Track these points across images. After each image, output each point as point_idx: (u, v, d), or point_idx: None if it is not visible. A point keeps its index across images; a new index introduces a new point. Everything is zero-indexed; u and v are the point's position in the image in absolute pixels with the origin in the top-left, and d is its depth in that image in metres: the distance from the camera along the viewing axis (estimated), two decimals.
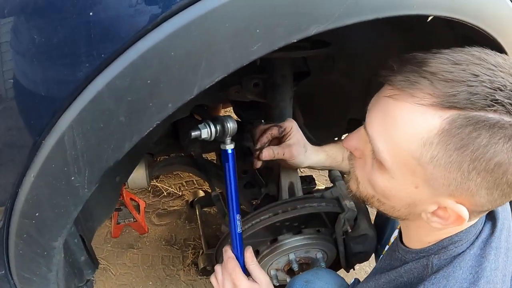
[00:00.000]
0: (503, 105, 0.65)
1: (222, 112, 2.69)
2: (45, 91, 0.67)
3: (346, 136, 0.93)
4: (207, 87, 0.65)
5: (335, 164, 1.45)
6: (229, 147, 1.11)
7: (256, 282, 1.18)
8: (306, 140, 1.38)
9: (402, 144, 0.71)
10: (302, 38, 0.67)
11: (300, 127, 1.89)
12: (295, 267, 1.80)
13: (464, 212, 0.73)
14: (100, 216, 1.23)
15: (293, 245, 1.46)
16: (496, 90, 0.65)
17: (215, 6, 0.61)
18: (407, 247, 0.93)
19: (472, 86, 0.66)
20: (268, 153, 1.30)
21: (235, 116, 2.31)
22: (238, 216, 1.20)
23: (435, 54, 0.74)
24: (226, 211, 1.80)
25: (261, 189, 1.81)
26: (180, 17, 0.61)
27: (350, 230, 1.46)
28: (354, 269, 1.82)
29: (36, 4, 0.63)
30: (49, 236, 0.84)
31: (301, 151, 1.34)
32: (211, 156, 2.68)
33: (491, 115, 0.65)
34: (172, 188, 2.86)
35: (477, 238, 0.84)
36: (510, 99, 0.65)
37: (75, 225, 0.98)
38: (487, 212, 0.82)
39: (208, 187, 2.73)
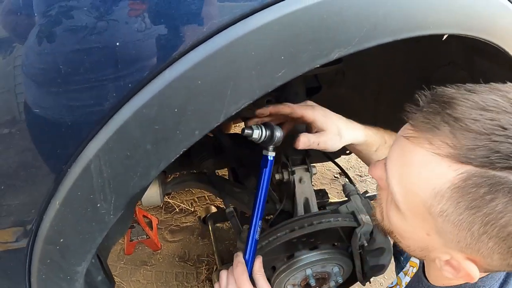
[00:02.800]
0: None
1: (233, 129, 2.69)
2: (72, 120, 0.68)
3: (374, 163, 0.87)
4: (233, 113, 0.66)
5: (367, 152, 1.32)
6: (271, 154, 1.17)
7: None
8: (339, 121, 1.23)
9: (415, 189, 0.67)
10: (325, 62, 0.68)
11: None
12: (312, 282, 1.79)
13: (474, 272, 0.68)
14: (115, 234, 1.22)
15: (310, 261, 1.45)
16: None
17: (241, 34, 0.62)
18: (430, 283, 0.91)
19: (496, 141, 0.59)
20: (303, 141, 1.14)
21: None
22: (260, 223, 1.23)
23: (466, 92, 0.67)
24: (241, 227, 1.80)
25: (275, 205, 1.81)
26: (207, 46, 0.62)
27: (366, 244, 1.46)
28: (370, 282, 1.81)
29: (62, 33, 0.64)
30: (73, 261, 0.85)
31: (335, 140, 1.22)
32: (221, 172, 2.68)
33: None
34: (184, 204, 2.85)
35: (501, 286, 0.79)
36: None
37: None
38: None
39: (220, 202, 2.73)
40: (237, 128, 2.97)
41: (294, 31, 0.64)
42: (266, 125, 1.12)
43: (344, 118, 1.25)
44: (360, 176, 3.34)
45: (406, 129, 0.71)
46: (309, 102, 1.26)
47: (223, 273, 1.20)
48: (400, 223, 0.76)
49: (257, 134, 1.08)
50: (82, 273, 0.89)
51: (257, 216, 1.23)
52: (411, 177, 0.68)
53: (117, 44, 0.62)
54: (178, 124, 0.65)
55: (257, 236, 1.23)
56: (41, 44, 0.65)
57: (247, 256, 1.22)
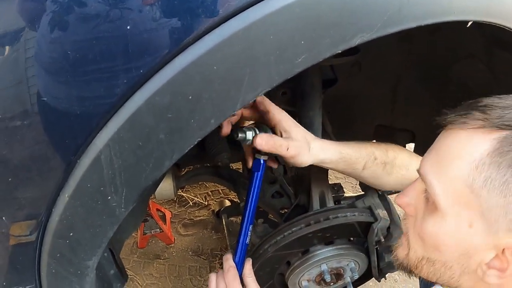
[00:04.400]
0: None
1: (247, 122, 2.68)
2: (81, 109, 0.65)
3: (401, 192, 0.89)
4: (251, 101, 0.63)
5: (352, 171, 1.24)
6: (264, 157, 1.13)
7: None
8: (307, 133, 1.14)
9: (454, 172, 0.70)
10: (347, 48, 0.65)
11: (328, 135, 1.87)
12: (327, 277, 1.77)
13: None
14: (128, 228, 1.24)
15: (325, 256, 1.43)
16: None
17: (259, 17, 0.59)
18: None
19: None
20: (266, 141, 1.02)
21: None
22: (250, 227, 1.23)
23: (494, 97, 0.73)
24: (255, 221, 1.78)
25: (290, 199, 1.79)
26: (222, 30, 0.59)
27: (383, 240, 1.44)
28: (385, 278, 1.79)
29: (71, 18, 0.61)
30: (84, 256, 0.83)
31: (304, 149, 1.11)
32: (235, 165, 2.67)
33: None
34: (198, 198, 2.87)
35: None
36: None
37: None
38: None
39: (234, 196, 2.73)
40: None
41: (315, 14, 0.61)
42: (259, 126, 1.08)
43: (312, 135, 1.16)
44: None
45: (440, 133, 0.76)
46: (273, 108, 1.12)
47: (213, 277, 1.19)
48: (438, 229, 0.75)
49: (251, 135, 1.04)
50: (92, 268, 0.87)
51: (247, 221, 1.22)
52: (450, 161, 0.71)
53: (128, 28, 0.60)
54: (192, 112, 0.63)
55: (247, 240, 1.23)
56: (53, 32, 0.62)
57: (237, 259, 1.22)
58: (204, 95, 0.62)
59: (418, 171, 0.79)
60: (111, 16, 0.60)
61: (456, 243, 0.73)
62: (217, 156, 1.80)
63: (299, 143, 1.07)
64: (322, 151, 1.14)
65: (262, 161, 1.14)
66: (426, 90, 1.87)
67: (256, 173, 1.16)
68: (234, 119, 1.10)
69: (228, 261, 1.20)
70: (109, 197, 0.71)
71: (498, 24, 0.87)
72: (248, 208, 1.22)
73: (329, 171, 1.54)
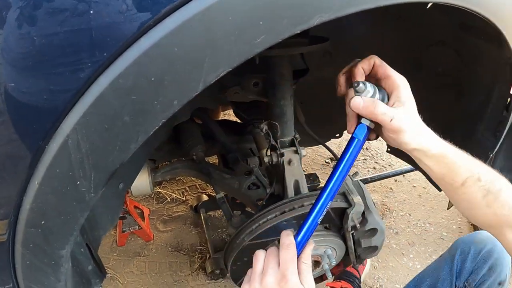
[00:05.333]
0: None
1: (222, 116, 2.71)
2: (47, 94, 0.66)
3: None
4: (212, 82, 0.65)
5: (448, 180, 1.03)
6: (366, 122, 0.97)
7: (303, 284, 0.92)
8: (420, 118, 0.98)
9: None
10: (306, 29, 0.67)
11: (302, 125, 1.89)
12: None
13: None
14: (105, 224, 1.24)
15: None
16: None
17: None
18: None
19: None
20: (366, 105, 0.91)
21: (235, 118, 2.33)
22: (329, 204, 1.04)
23: None
24: (232, 213, 1.80)
25: (266, 190, 1.81)
26: (182, 12, 0.61)
27: (358, 225, 1.46)
28: (364, 264, 1.83)
29: (34, 5, 0.62)
30: (56, 245, 0.84)
31: (410, 126, 0.94)
32: (212, 159, 2.68)
33: None
34: (175, 193, 2.88)
35: None
36: None
37: (81, 234, 0.98)
38: None
39: (211, 190, 2.74)
40: (226, 116, 2.97)
41: None
42: (380, 89, 0.95)
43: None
44: None
45: None
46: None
47: (261, 254, 0.98)
48: None
49: (372, 91, 0.91)
50: (66, 258, 0.88)
51: (329, 194, 1.03)
52: None
53: (91, 12, 0.61)
54: (155, 94, 0.64)
55: (319, 220, 1.04)
56: (17, 20, 0.63)
57: (300, 238, 1.02)
58: (166, 76, 0.63)
59: None
60: (74, 2, 0.61)
61: None
62: (192, 150, 1.82)
63: (407, 118, 0.92)
64: (429, 139, 0.98)
65: (366, 127, 0.97)
66: None
67: (355, 139, 0.99)
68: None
69: (289, 236, 1.01)
70: (78, 182, 0.72)
71: (460, 6, 0.88)
72: (336, 177, 1.03)
73: (304, 163, 1.56)
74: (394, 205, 2.82)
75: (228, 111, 2.72)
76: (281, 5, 0.64)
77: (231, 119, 2.29)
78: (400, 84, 0.93)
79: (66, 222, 0.79)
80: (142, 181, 1.81)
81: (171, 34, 0.61)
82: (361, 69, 0.97)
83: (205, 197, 2.56)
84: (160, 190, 2.88)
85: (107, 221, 1.24)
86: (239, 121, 2.24)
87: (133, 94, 0.64)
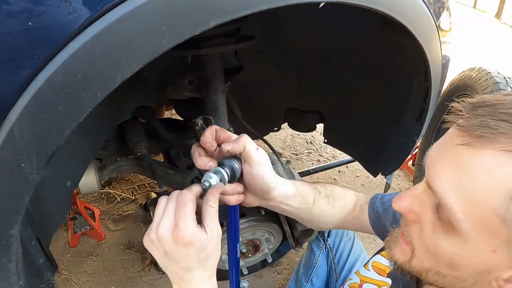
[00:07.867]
0: None
1: (167, 114, 2.75)
2: None
3: (396, 196, 0.79)
4: (128, 76, 0.79)
5: (305, 207, 1.18)
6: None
7: (204, 230, 0.85)
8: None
9: (483, 199, 0.60)
10: (205, 30, 0.82)
11: (237, 119, 2.00)
12: (243, 248, 1.93)
13: None
14: (55, 221, 1.29)
15: None
16: None
17: (128, 10, 0.75)
18: None
19: None
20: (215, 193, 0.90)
21: (177, 116, 2.40)
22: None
23: (503, 95, 0.65)
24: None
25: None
26: (101, 22, 0.75)
27: None
28: (302, 247, 1.95)
29: None
30: (5, 225, 0.90)
31: (271, 173, 1.04)
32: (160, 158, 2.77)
33: None
34: (125, 193, 2.93)
35: None
36: None
37: (31, 228, 1.04)
38: None
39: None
40: (173, 116, 3.06)
41: (174, 5, 0.78)
42: (221, 164, 0.97)
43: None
44: (296, 155, 3.52)
45: (455, 137, 0.66)
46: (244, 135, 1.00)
47: (162, 201, 0.90)
48: (458, 249, 0.68)
49: (216, 180, 0.92)
50: (16, 237, 0.93)
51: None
52: (478, 185, 0.61)
53: (30, 24, 0.74)
54: (82, 88, 0.78)
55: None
56: None
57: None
58: (90, 73, 0.77)
59: (429, 184, 0.69)
60: (16, 16, 0.74)
61: (476, 263, 0.67)
62: (136, 147, 1.91)
63: (264, 167, 1.01)
64: (283, 182, 1.10)
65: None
66: (328, 74, 1.99)
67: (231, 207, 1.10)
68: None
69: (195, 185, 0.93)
70: (23, 165, 0.82)
71: (357, 5, 0.97)
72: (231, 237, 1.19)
73: None
74: None
75: (171, 110, 2.80)
76: (181, 12, 0.79)
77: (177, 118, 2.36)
78: (246, 141, 0.96)
79: (13, 202, 0.87)
80: (89, 179, 1.87)
81: (93, 39, 0.75)
82: (210, 138, 0.98)
83: (153, 195, 2.62)
84: (110, 190, 2.91)
85: (56, 218, 1.30)
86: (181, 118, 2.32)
87: (65, 89, 0.77)
